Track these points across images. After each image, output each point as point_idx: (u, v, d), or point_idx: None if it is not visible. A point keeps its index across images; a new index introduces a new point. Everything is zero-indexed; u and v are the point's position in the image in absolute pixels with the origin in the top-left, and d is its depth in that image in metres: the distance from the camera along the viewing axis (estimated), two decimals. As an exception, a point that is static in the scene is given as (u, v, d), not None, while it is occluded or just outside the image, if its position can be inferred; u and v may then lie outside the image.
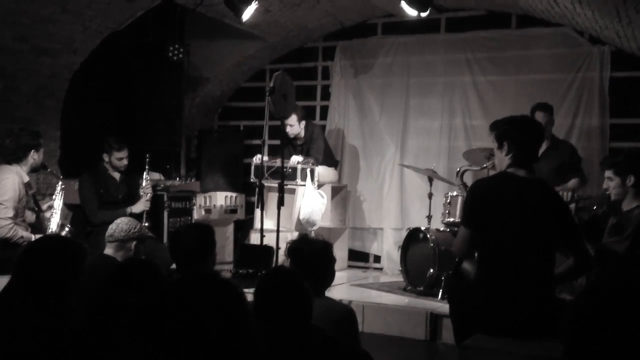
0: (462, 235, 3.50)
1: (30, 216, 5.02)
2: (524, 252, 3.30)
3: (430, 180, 6.41)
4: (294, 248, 3.19)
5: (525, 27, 6.90)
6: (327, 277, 3.23)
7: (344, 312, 3.15)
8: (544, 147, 5.67)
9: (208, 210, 7.16)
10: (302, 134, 6.96)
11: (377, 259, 7.61)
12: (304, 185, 6.56)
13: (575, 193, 5.39)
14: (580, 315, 1.65)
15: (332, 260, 3.24)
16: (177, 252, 3.54)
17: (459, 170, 4.74)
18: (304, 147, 7.00)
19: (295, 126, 6.85)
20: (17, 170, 4.82)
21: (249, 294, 2.60)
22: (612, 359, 1.58)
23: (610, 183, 4.38)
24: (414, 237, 6.17)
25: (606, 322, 1.60)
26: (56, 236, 4.41)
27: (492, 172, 5.29)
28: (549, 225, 3.33)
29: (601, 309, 1.62)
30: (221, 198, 7.31)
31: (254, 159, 6.65)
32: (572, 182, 5.57)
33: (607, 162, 4.62)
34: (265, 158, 6.64)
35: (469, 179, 5.25)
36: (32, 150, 4.92)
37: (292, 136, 6.94)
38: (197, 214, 6.99)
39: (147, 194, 5.85)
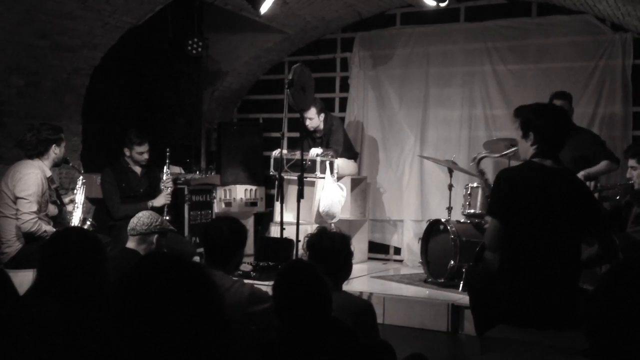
0: (492, 227, 3.42)
1: (53, 210, 5.07)
2: (548, 242, 3.27)
3: (450, 171, 6.38)
4: (313, 242, 3.19)
5: (546, 15, 6.82)
6: (345, 270, 3.23)
7: (362, 306, 3.15)
8: (564, 135, 5.60)
9: (228, 203, 7.19)
10: (322, 126, 6.95)
11: (398, 251, 7.60)
12: (324, 177, 6.56)
13: (599, 183, 5.32)
14: (600, 306, 1.63)
15: (351, 253, 3.24)
16: (206, 246, 3.55)
17: (476, 157, 4.69)
18: (323, 139, 7.00)
19: (314, 119, 6.85)
20: (40, 165, 4.87)
21: (269, 286, 2.61)
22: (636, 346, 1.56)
23: (634, 172, 4.33)
24: (434, 229, 6.15)
25: (627, 310, 1.58)
26: (73, 229, 4.42)
27: (512, 161, 5.26)
28: (575, 215, 3.29)
29: (620, 297, 1.60)
30: (241, 191, 7.33)
31: (274, 152, 6.66)
32: (603, 164, 5.44)
33: (630, 151, 4.56)
34: (285, 151, 6.65)
35: (487, 167, 5.20)
36: (53, 145, 4.95)
37: (311, 129, 6.93)
38: (218, 207, 7.02)
39: (168, 187, 5.89)
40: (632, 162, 4.37)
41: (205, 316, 1.32)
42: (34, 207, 4.71)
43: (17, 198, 4.70)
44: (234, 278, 3.35)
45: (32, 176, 4.74)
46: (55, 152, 4.97)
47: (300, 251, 5.46)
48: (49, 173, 4.95)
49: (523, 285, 3.27)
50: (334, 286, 3.00)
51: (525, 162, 3.47)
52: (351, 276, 3.41)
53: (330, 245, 3.13)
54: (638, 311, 1.57)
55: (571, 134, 5.55)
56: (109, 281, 2.52)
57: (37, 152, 4.89)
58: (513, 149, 4.58)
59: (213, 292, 1.39)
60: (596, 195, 5.24)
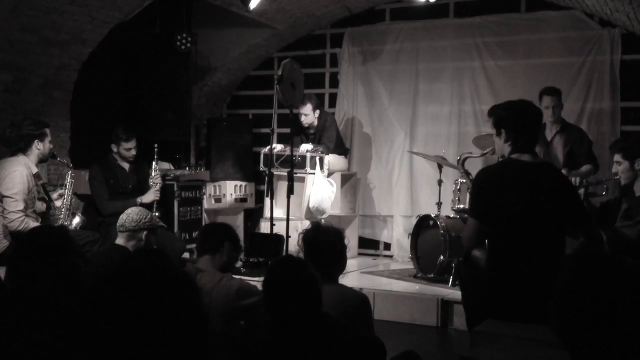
0: (470, 226, 3.49)
1: (40, 206, 5.03)
2: (534, 237, 3.29)
3: (440, 167, 6.39)
4: (309, 236, 3.21)
5: (535, 10, 6.84)
6: (341, 263, 3.27)
7: (359, 299, 3.18)
8: (553, 130, 5.66)
9: (218, 200, 7.18)
10: (316, 122, 6.95)
11: (387, 246, 7.61)
12: (314, 173, 6.56)
13: (585, 179, 5.37)
14: (563, 303, 1.64)
15: (345, 246, 3.28)
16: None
17: (460, 158, 4.73)
18: (316, 135, 7.00)
19: (310, 115, 6.86)
20: (26, 162, 4.82)
21: (259, 282, 2.61)
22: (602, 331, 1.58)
23: (619, 167, 4.36)
24: (424, 224, 6.17)
25: (589, 305, 1.60)
26: (42, 227, 4.33)
27: (498, 158, 5.29)
28: (558, 208, 3.31)
29: (581, 292, 1.62)
30: (231, 187, 7.31)
31: (265, 148, 6.64)
32: (585, 168, 5.55)
33: (616, 146, 4.59)
34: (281, 146, 6.63)
35: (471, 166, 5.23)
36: (36, 140, 4.87)
37: (306, 125, 6.94)
38: (207, 203, 7.01)
39: (157, 183, 5.87)
40: (617, 157, 4.40)
41: (184, 323, 1.31)
42: (21, 206, 4.66)
43: (3, 197, 4.66)
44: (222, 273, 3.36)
45: (17, 174, 4.69)
46: (38, 147, 4.90)
47: (291, 247, 5.47)
48: (34, 169, 4.90)
49: (510, 280, 3.29)
50: (330, 279, 3.05)
51: (503, 160, 3.50)
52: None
53: (326, 239, 3.17)
54: (599, 305, 1.59)
55: (562, 129, 5.65)
56: (81, 273, 2.54)
57: (19, 148, 4.83)
58: (493, 147, 4.61)
59: (195, 299, 1.37)
60: (582, 190, 5.27)
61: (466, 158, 4.69)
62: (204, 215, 6.89)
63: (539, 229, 3.29)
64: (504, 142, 3.42)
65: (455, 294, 5.07)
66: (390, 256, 7.49)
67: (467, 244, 3.56)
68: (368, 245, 7.66)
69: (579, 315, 1.59)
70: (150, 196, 5.78)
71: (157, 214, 5.46)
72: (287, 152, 6.21)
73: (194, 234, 6.71)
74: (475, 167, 5.61)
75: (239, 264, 5.97)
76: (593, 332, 1.58)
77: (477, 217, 3.43)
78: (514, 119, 3.40)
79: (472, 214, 3.48)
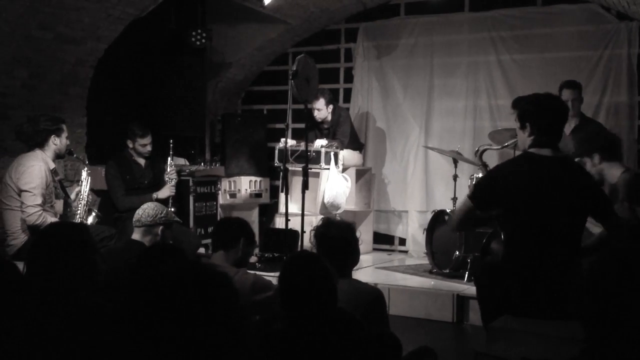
0: (464, 208, 3.45)
1: (59, 207, 5.06)
2: (550, 232, 3.27)
3: (455, 161, 6.37)
4: (321, 232, 3.21)
5: (551, 4, 6.79)
6: (354, 257, 3.26)
7: (373, 293, 3.17)
8: (572, 124, 5.60)
9: (233, 195, 7.19)
10: (330, 117, 6.95)
11: (403, 241, 7.60)
12: (328, 168, 6.56)
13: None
14: (594, 296, 1.64)
15: (357, 239, 3.28)
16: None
17: (478, 150, 4.70)
18: (330, 130, 7.00)
19: (322, 110, 6.85)
20: (43, 157, 4.86)
21: (274, 277, 2.62)
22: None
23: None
24: (439, 219, 6.14)
25: (620, 297, 1.60)
26: (63, 223, 4.36)
27: (516, 151, 5.26)
28: (577, 203, 3.28)
29: (612, 285, 1.62)
30: (246, 182, 7.33)
31: (280, 143, 6.65)
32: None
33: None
34: (293, 142, 6.63)
35: (489, 159, 5.19)
36: (52, 136, 4.90)
37: (319, 120, 6.94)
38: (222, 199, 7.03)
39: (172, 179, 5.89)
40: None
41: (222, 322, 1.32)
42: (39, 200, 4.70)
43: (21, 191, 4.70)
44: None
45: (35, 169, 4.73)
46: (55, 142, 4.93)
47: (306, 242, 5.48)
48: (52, 165, 4.93)
49: (526, 275, 3.26)
50: (344, 273, 3.04)
51: (521, 154, 3.47)
52: (356, 267, 3.43)
53: (338, 234, 3.17)
54: (630, 298, 1.58)
55: (581, 123, 5.60)
56: (98, 269, 2.58)
57: (35, 143, 4.86)
58: (514, 140, 4.55)
59: (234, 299, 1.39)
60: None
61: (485, 150, 4.65)
62: (219, 210, 6.91)
63: (554, 223, 3.27)
64: (528, 135, 3.39)
65: (471, 289, 5.05)
66: (406, 251, 7.48)
67: (454, 224, 3.56)
68: (383, 240, 7.65)
69: (605, 306, 1.59)
70: (165, 192, 5.81)
71: (172, 209, 5.48)
72: (302, 147, 6.21)
73: (210, 229, 6.73)
74: (493, 161, 5.58)
75: (253, 259, 5.98)
76: (619, 324, 1.57)
77: (474, 200, 3.40)
78: (540, 113, 3.35)
79: (472, 196, 3.43)
